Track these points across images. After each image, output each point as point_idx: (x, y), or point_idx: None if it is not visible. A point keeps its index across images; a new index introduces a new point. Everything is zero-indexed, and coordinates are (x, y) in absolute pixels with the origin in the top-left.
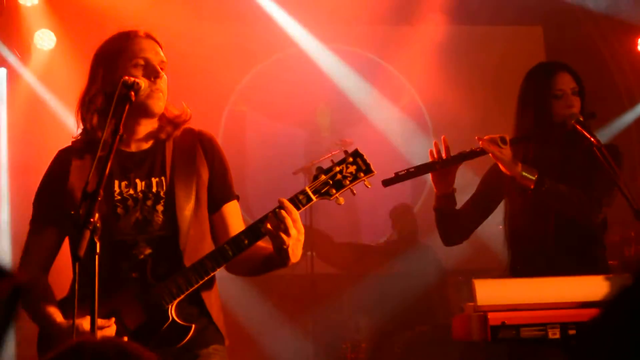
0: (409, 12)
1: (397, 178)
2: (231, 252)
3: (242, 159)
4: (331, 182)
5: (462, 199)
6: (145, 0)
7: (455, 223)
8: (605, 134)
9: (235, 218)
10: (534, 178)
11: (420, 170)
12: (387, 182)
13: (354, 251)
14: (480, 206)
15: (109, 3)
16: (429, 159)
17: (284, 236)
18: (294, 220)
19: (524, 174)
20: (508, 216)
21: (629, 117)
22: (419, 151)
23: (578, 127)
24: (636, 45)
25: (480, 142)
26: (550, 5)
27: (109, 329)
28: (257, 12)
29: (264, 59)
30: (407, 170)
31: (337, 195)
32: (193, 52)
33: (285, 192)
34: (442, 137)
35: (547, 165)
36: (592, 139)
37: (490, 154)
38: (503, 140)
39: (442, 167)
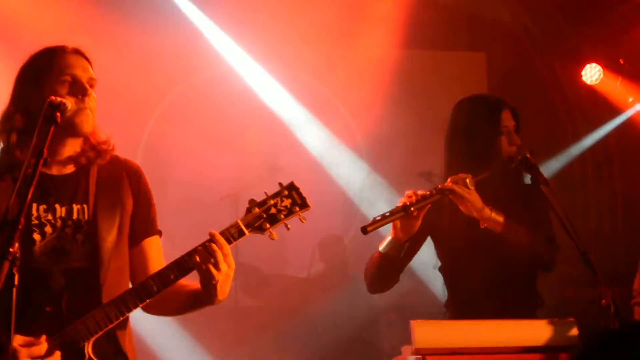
0: (348, 34)
1: (374, 222)
2: (156, 287)
3: (164, 183)
4: (265, 215)
5: None
6: (63, 11)
7: (395, 270)
8: (549, 168)
9: (155, 254)
10: (501, 221)
11: (395, 213)
12: (366, 229)
13: (280, 284)
14: (409, 249)
15: (24, 13)
16: (359, 186)
17: (213, 271)
18: (224, 255)
19: (493, 216)
20: (447, 255)
21: (573, 151)
22: (352, 178)
23: (525, 164)
24: (580, 75)
25: (447, 183)
26: (494, 32)
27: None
28: (185, 26)
29: (191, 75)
30: (383, 215)
31: (270, 229)
32: (111, 65)
33: (211, 220)
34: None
35: (492, 203)
36: (539, 177)
37: (456, 196)
38: (469, 181)
39: (416, 209)
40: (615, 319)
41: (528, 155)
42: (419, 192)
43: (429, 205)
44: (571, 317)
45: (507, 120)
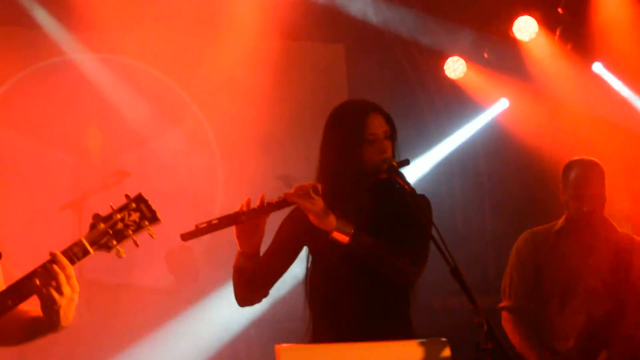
0: (202, 27)
1: (198, 231)
2: None
3: None
4: (111, 231)
5: None
6: None
7: (256, 283)
8: (414, 169)
9: None
10: (351, 231)
11: (223, 222)
12: (186, 237)
13: (127, 299)
14: (280, 259)
15: None
16: (213, 190)
17: (55, 295)
18: (67, 277)
19: (339, 227)
20: (310, 270)
21: (439, 149)
22: (205, 182)
23: (392, 174)
24: (443, 70)
25: (290, 192)
26: (353, 23)
27: None
28: (15, 12)
29: (22, 68)
30: (209, 222)
31: (117, 246)
32: None
33: (50, 233)
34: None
35: (357, 216)
36: (407, 188)
37: (300, 206)
38: (315, 190)
39: (248, 219)
40: (487, 338)
41: (394, 164)
42: (264, 201)
43: (268, 216)
44: (441, 330)
45: (376, 127)
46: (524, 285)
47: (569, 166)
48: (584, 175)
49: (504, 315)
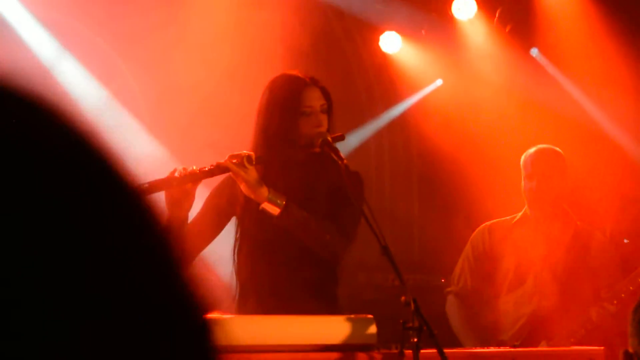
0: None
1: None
2: None
3: None
4: None
5: None
6: None
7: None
8: (346, 145)
9: None
10: (282, 203)
11: (153, 186)
12: None
13: None
14: (208, 227)
15: None
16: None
17: None
18: None
19: (270, 198)
20: (238, 241)
21: (370, 127)
22: (132, 143)
23: (326, 148)
24: (378, 44)
25: (226, 160)
26: None
27: None
28: None
29: None
30: (139, 186)
31: None
32: None
33: None
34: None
35: (289, 189)
36: (340, 163)
37: (232, 174)
38: (249, 159)
39: (179, 184)
40: (414, 316)
41: (329, 139)
42: (196, 168)
43: (199, 182)
44: (363, 305)
45: (312, 99)
46: (474, 277)
47: (528, 152)
48: (539, 156)
49: (449, 299)
